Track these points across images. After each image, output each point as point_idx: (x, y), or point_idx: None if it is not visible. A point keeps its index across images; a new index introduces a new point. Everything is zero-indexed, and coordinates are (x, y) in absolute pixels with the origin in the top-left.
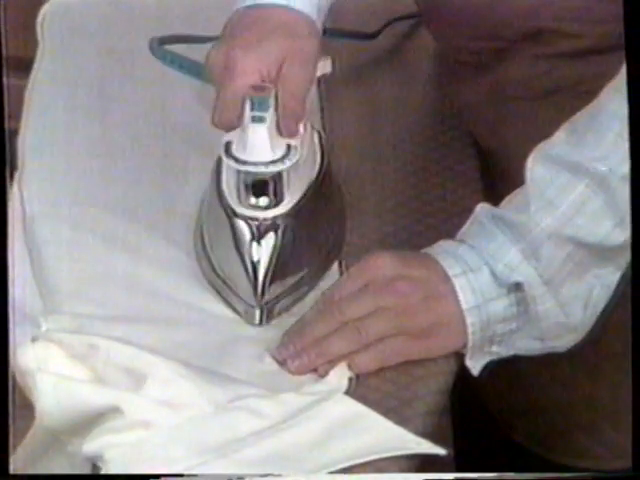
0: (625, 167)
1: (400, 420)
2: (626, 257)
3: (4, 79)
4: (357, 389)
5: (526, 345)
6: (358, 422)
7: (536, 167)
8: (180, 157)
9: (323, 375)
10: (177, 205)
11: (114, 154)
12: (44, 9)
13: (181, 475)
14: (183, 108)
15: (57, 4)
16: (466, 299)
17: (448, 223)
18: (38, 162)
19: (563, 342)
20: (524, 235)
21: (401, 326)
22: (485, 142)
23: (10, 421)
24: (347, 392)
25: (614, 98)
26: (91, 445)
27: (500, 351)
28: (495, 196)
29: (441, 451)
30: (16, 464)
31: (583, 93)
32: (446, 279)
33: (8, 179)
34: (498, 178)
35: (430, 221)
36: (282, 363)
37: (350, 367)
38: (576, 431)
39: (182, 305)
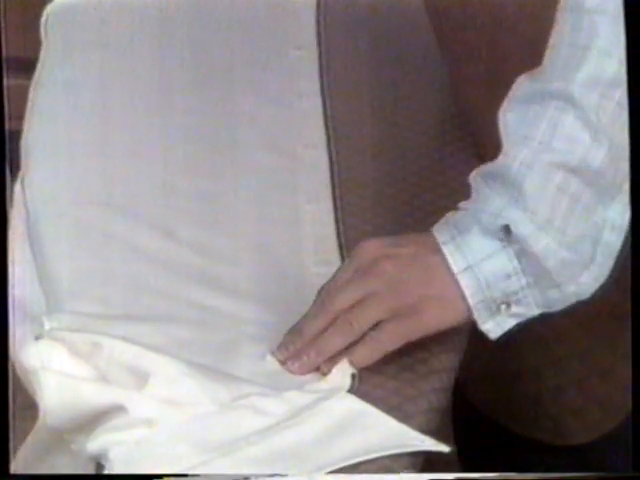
0: (582, 71)
1: (403, 417)
2: (627, 192)
3: (5, 80)
4: (360, 386)
5: (546, 298)
6: (361, 420)
7: (506, 114)
8: (181, 155)
9: (325, 373)
10: (179, 202)
11: (117, 153)
12: (48, 9)
13: (185, 475)
14: (185, 107)
15: (61, 4)
16: (456, 263)
17: None
18: (41, 162)
19: (582, 286)
20: (507, 176)
21: (391, 307)
22: (464, 104)
23: (10, 421)
24: (350, 389)
25: (560, 17)
26: (95, 443)
27: (522, 311)
28: None
29: (445, 448)
30: (19, 463)
31: None
32: (436, 250)
33: (9, 179)
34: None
35: (433, 220)
36: (283, 364)
37: (351, 363)
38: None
39: (184, 303)
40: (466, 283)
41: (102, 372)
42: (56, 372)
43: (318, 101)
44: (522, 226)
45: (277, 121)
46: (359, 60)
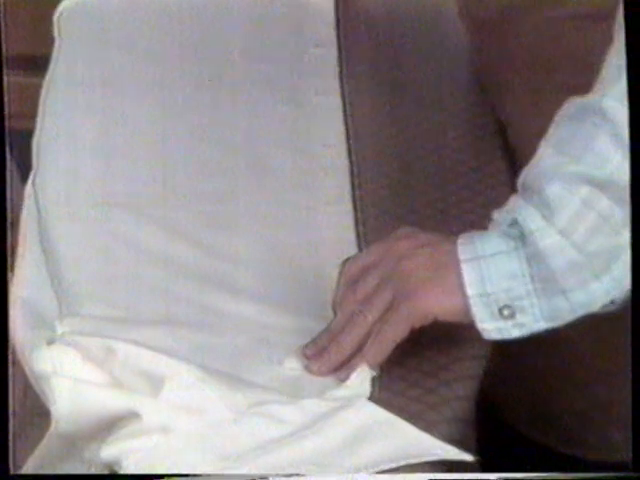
0: (617, 86)
1: (425, 426)
2: None
3: (5, 77)
4: (381, 394)
5: (552, 307)
6: (381, 428)
7: (549, 130)
8: (198, 156)
9: (344, 379)
10: (195, 204)
11: (130, 153)
12: (61, 6)
13: (186, 475)
14: (202, 106)
15: (74, 1)
16: (464, 252)
17: (474, 226)
18: (54, 162)
19: (591, 295)
20: (528, 181)
21: (394, 286)
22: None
23: (10, 421)
24: (371, 396)
25: (615, 37)
26: (109, 450)
27: (527, 321)
28: None
29: (468, 457)
30: (31, 470)
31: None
32: (453, 240)
33: (8, 179)
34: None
35: (453, 220)
36: (309, 360)
37: (367, 364)
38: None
39: (200, 308)
40: (468, 272)
41: (116, 378)
42: (69, 377)
43: (337, 99)
44: (530, 220)
45: (295, 120)
46: (379, 58)
